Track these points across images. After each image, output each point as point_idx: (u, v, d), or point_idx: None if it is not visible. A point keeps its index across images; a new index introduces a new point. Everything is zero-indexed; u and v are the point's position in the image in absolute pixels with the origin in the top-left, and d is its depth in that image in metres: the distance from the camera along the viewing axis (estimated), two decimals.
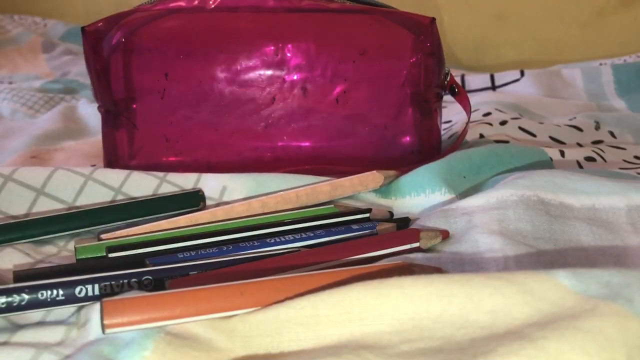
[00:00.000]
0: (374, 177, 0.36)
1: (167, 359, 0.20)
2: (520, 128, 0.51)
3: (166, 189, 0.36)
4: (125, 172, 0.36)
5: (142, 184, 0.35)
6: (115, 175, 0.35)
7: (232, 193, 0.36)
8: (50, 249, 0.32)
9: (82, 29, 0.38)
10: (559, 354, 0.17)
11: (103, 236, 0.31)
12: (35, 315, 0.25)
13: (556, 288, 0.21)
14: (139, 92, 0.40)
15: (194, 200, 0.35)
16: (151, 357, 0.20)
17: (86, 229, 0.33)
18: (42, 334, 0.23)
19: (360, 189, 0.36)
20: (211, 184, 0.36)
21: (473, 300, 0.21)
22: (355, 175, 0.36)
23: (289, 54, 0.41)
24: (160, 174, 0.36)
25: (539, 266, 0.26)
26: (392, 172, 0.37)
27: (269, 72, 0.41)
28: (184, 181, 0.36)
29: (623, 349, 0.18)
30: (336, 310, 0.21)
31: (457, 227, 0.30)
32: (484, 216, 0.30)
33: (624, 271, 0.21)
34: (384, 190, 0.37)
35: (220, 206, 0.34)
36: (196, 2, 0.39)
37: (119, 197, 0.35)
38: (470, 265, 0.27)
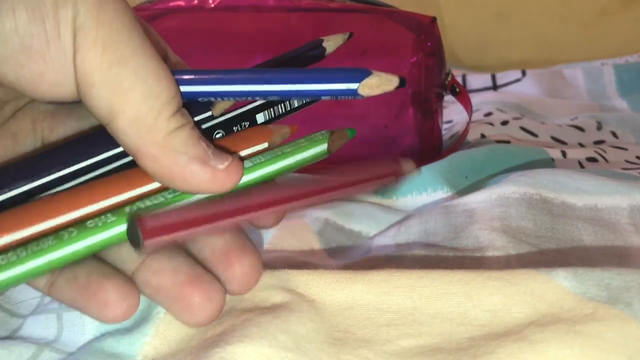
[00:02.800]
0: None
1: (168, 340, 0.20)
2: (521, 128, 0.51)
3: None
4: None
5: None
6: None
7: None
8: None
9: None
10: (559, 359, 0.17)
11: None
12: (32, 300, 0.25)
13: (556, 289, 0.20)
14: None
15: None
16: (152, 341, 0.20)
17: None
18: (42, 331, 0.23)
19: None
20: None
21: (472, 299, 0.21)
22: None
23: None
24: None
25: (541, 265, 0.26)
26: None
27: None
28: None
29: (623, 353, 0.17)
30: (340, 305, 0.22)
31: (458, 223, 0.30)
32: (486, 213, 0.30)
33: (624, 273, 0.21)
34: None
35: None
36: (196, 2, 0.39)
37: None
38: (470, 261, 0.27)
